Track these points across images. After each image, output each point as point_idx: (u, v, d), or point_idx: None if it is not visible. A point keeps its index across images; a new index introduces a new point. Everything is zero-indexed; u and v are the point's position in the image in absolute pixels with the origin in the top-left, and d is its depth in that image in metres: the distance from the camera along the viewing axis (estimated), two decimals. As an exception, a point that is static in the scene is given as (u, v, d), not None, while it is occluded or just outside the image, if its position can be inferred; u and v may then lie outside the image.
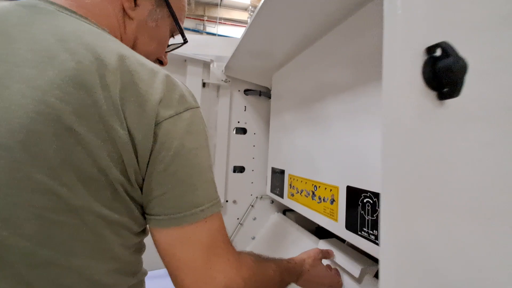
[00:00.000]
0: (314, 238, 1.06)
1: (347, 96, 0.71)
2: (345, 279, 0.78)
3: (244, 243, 1.40)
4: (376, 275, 0.74)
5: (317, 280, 0.70)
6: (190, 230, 0.39)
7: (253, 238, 1.42)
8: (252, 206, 1.42)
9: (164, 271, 0.45)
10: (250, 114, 1.45)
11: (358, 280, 0.75)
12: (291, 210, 1.49)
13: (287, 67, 1.18)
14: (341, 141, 0.73)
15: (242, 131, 1.45)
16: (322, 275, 0.73)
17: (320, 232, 1.10)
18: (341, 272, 0.80)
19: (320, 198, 0.82)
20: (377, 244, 0.58)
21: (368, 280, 0.73)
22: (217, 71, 1.35)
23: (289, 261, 0.63)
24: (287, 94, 1.18)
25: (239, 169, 1.45)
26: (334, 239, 0.94)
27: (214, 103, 1.37)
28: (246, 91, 1.43)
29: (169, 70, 0.45)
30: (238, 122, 1.42)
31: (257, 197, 1.43)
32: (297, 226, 1.23)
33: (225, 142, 1.38)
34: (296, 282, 0.64)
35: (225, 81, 1.35)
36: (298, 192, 0.97)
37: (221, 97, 1.38)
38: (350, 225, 0.67)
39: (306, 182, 0.92)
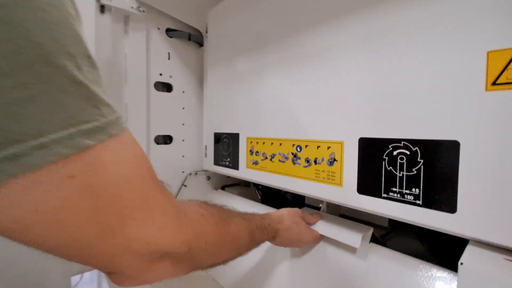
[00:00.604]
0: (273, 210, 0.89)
1: (363, 15, 0.53)
2: (336, 252, 0.65)
3: (177, 234, 1.08)
4: (373, 240, 0.64)
5: (297, 238, 0.62)
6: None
7: (188, 226, 1.12)
8: (184, 185, 1.11)
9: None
10: (177, 65, 1.07)
11: (354, 250, 0.63)
12: (232, 185, 1.27)
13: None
14: (345, 81, 0.55)
15: (166, 87, 1.07)
16: (303, 233, 0.63)
17: (271, 202, 0.94)
18: (331, 246, 0.67)
19: (308, 161, 0.63)
20: (418, 205, 0.45)
21: (365, 247, 0.62)
22: (124, -10, 0.88)
23: (263, 217, 0.55)
24: (234, 37, 0.89)
25: (164, 140, 1.08)
26: (306, 208, 0.80)
27: (120, 41, 0.91)
28: (170, 32, 1.04)
29: None
30: (161, 74, 1.03)
31: (190, 174, 1.12)
32: (247, 201, 1.03)
33: (142, 102, 0.97)
34: (272, 240, 0.57)
35: (138, 10, 0.91)
36: (266, 158, 0.76)
37: (131, 34, 0.93)
38: (367, 188, 0.52)
39: (280, 144, 0.71)
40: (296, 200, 1.18)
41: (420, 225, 0.46)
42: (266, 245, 0.81)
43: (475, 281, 0.33)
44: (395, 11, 0.48)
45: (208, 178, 1.19)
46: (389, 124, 0.49)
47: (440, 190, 0.42)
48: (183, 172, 1.11)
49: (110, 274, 0.28)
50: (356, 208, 0.56)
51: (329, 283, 0.62)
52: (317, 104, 0.61)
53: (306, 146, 0.64)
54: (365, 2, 0.52)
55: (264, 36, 0.76)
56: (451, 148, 0.41)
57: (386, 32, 0.49)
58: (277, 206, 0.91)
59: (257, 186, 1.27)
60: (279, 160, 0.71)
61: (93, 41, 0.80)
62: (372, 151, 0.51)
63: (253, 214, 0.52)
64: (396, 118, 0.48)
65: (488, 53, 0.38)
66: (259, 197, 1.26)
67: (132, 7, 0.90)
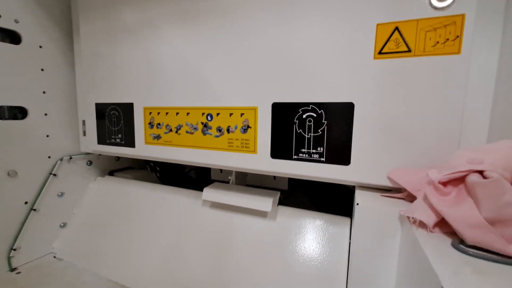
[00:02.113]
0: (184, 191, 0.82)
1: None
2: (248, 220, 0.67)
3: (46, 238, 0.82)
4: (280, 202, 0.69)
5: None
6: None
7: (64, 226, 0.88)
8: (53, 175, 0.84)
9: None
10: (26, 6, 0.76)
11: (266, 214, 0.66)
12: (124, 169, 1.08)
13: None
14: (259, 44, 0.54)
15: (8, 36, 0.74)
16: None
17: (172, 184, 0.86)
18: (240, 214, 0.68)
19: (220, 130, 0.60)
20: (322, 162, 0.50)
21: (273, 209, 0.67)
22: None
23: None
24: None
25: (13, 113, 0.76)
26: (217, 183, 0.77)
27: None
28: (8, -47, 0.71)
29: None
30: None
31: (62, 160, 0.86)
32: (147, 184, 0.90)
33: (-38, 54, 0.63)
34: None
35: None
36: (171, 130, 0.66)
37: None
38: (279, 152, 0.54)
39: (189, 113, 0.63)
40: (200, 177, 1.13)
41: (324, 180, 0.52)
42: (176, 225, 0.74)
43: (367, 214, 0.40)
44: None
45: (90, 163, 0.96)
46: (298, 89, 0.51)
47: (339, 147, 0.49)
48: (49, 157, 0.84)
49: None
50: (271, 173, 0.58)
51: (245, 249, 0.63)
52: (229, 67, 0.57)
53: (218, 114, 0.60)
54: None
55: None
56: (347, 109, 0.47)
57: (296, -3, 0.50)
58: (180, 185, 0.84)
59: (154, 167, 1.13)
60: (187, 132, 0.64)
61: None
62: (284, 116, 0.53)
63: None
64: (305, 83, 0.50)
65: (377, 25, 0.44)
66: (158, 179, 1.13)
67: None
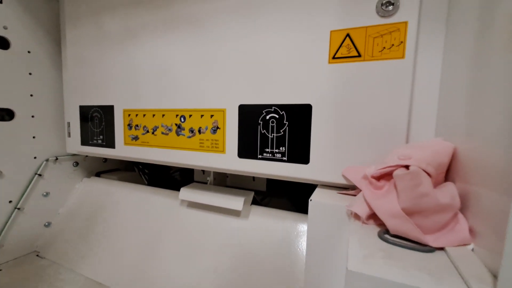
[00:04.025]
0: (164, 191, 0.84)
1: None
2: (222, 219, 0.69)
3: (30, 237, 0.85)
4: (254, 202, 0.71)
5: None
6: None
7: (48, 225, 0.90)
8: (38, 175, 0.87)
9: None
10: (15, 13, 0.80)
11: (238, 213, 0.68)
12: (111, 170, 1.10)
13: None
14: (225, 50, 0.57)
15: (-3, 42, 0.78)
16: None
17: (159, 186, 0.89)
18: (214, 214, 0.70)
19: (192, 131, 0.62)
20: (284, 161, 0.52)
21: (246, 209, 0.69)
22: None
23: None
24: (103, -12, 0.74)
25: (1, 115, 0.79)
26: (195, 183, 0.79)
27: None
28: (-1, -36, 0.75)
29: None
30: (-15, 22, 0.73)
31: (47, 160, 0.89)
32: (130, 185, 0.92)
33: (-49, 58, 0.67)
34: None
35: None
36: (148, 131, 0.69)
37: None
38: (246, 152, 0.57)
39: (163, 115, 0.66)
40: (184, 179, 1.16)
41: (286, 179, 0.54)
42: (152, 225, 0.76)
43: (319, 208, 0.42)
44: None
45: (76, 164, 0.98)
46: (262, 91, 0.54)
47: (299, 146, 0.51)
48: (35, 158, 0.86)
49: None
50: (238, 173, 0.60)
51: (216, 247, 0.65)
52: (200, 71, 0.60)
53: (190, 115, 0.62)
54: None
55: (140, -8, 0.67)
56: (306, 111, 0.50)
57: (260, 2, 0.53)
58: (167, 187, 0.86)
59: (142, 169, 1.15)
60: (162, 133, 0.67)
61: None
62: (250, 117, 0.55)
63: None
64: (267, 86, 0.53)
65: (331, 32, 0.47)
66: (145, 181, 1.15)
67: None
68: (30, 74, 0.84)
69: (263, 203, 0.83)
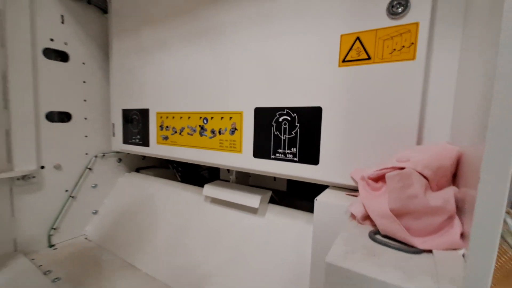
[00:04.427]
0: (191, 187, 0.91)
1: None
2: (240, 215, 0.73)
3: (80, 222, 0.98)
4: (271, 201, 0.74)
5: None
6: None
7: (95, 213, 1.03)
8: (89, 169, 1.00)
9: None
10: (74, 31, 0.94)
11: (255, 211, 0.71)
12: (148, 167, 1.22)
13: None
14: (243, 56, 0.61)
15: (59, 56, 0.93)
16: None
17: (190, 182, 0.96)
18: (234, 210, 0.74)
19: (214, 132, 0.67)
20: (295, 161, 0.54)
21: (264, 207, 0.71)
22: None
23: None
24: (141, 5, 0.84)
25: (61, 117, 0.94)
26: (218, 181, 0.84)
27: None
28: (63, -9, 0.90)
29: None
30: (52, 40, 0.88)
31: (96, 156, 1.02)
32: (163, 180, 1.01)
33: (26, 71, 0.82)
34: None
35: (15, -43, 0.75)
36: (176, 132, 0.76)
37: (7, -14, 0.77)
38: (260, 152, 0.60)
39: (189, 117, 0.72)
40: (212, 177, 1.23)
41: (297, 179, 0.56)
42: (176, 220, 0.83)
43: (323, 208, 0.44)
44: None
45: (119, 160, 1.11)
46: (276, 95, 0.56)
47: (309, 148, 0.52)
48: (86, 154, 1.00)
49: None
50: (253, 171, 0.63)
51: (232, 240, 0.69)
52: (221, 76, 0.65)
53: (212, 118, 0.68)
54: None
55: (170, 7, 0.75)
56: (316, 113, 0.51)
57: (274, 12, 0.56)
58: (196, 184, 0.93)
59: (176, 167, 1.25)
60: (188, 133, 0.73)
61: None
62: (264, 119, 0.58)
63: None
64: (280, 89, 0.56)
65: (341, 36, 0.48)
66: (179, 178, 1.25)
67: (6, -48, 0.74)
68: (84, 82, 0.98)
69: (283, 203, 0.85)
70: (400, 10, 0.42)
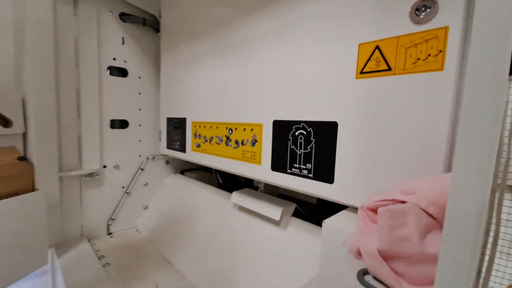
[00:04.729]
0: (223, 192, 0.95)
1: (271, 10, 0.58)
2: (263, 225, 0.73)
3: (133, 215, 1.13)
4: (294, 214, 0.71)
5: None
6: None
7: (146, 208, 1.17)
8: (141, 169, 1.14)
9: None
10: (132, 50, 1.09)
11: (278, 222, 0.70)
12: (190, 170, 1.32)
13: (183, -15, 0.91)
14: (264, 70, 0.61)
15: (120, 72, 1.08)
16: None
17: (229, 187, 1.01)
18: (257, 219, 0.74)
19: (237, 142, 0.69)
20: (310, 178, 0.52)
21: (287, 220, 0.70)
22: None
23: None
24: (184, 23, 0.92)
25: (120, 124, 1.10)
26: (246, 189, 0.86)
27: (68, 25, 0.92)
28: (124, 16, 1.05)
29: None
30: (114, 59, 1.04)
31: (147, 158, 1.16)
32: (201, 184, 1.08)
33: (94, 86, 0.98)
34: None
35: (87, -7, 0.92)
36: (206, 141, 0.81)
37: (81, 18, 0.94)
38: (277, 165, 0.59)
39: (217, 127, 0.76)
40: (248, 182, 1.25)
41: (311, 195, 0.53)
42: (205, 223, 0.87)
43: (330, 231, 0.41)
44: (298, 5, 0.53)
45: (167, 162, 1.24)
46: (292, 108, 0.55)
47: (324, 165, 0.49)
48: (140, 156, 1.15)
49: None
50: (271, 184, 0.62)
51: (254, 249, 0.70)
52: (243, 89, 0.67)
53: (236, 128, 0.70)
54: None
55: (203, 24, 0.80)
56: (331, 128, 0.48)
57: (292, 25, 0.54)
58: (235, 188, 0.97)
59: (218, 171, 1.32)
60: (216, 143, 0.77)
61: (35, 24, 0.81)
62: (282, 132, 0.57)
63: None
64: (297, 102, 0.54)
65: (359, 45, 0.44)
66: (220, 181, 1.32)
67: (81, -10, 0.91)
68: (139, 93, 1.12)
69: (311, 217, 0.82)
70: (425, 13, 0.36)
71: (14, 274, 0.66)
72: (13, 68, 0.86)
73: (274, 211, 0.69)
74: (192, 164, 1.33)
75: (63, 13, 0.90)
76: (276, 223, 0.71)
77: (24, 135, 0.80)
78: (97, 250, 0.92)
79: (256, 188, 0.88)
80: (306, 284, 0.26)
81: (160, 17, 1.06)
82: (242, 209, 0.82)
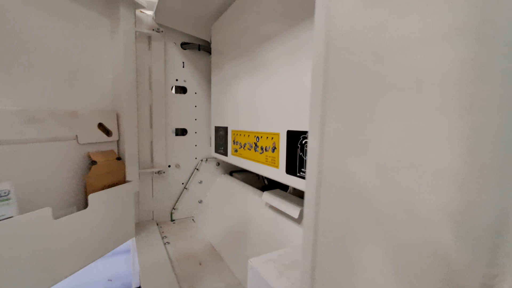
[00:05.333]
0: (259, 192, 1.08)
1: (285, 35, 0.68)
2: (286, 222, 0.82)
3: (190, 207, 1.36)
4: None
5: None
6: None
7: (200, 202, 1.39)
8: (197, 169, 1.37)
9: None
10: (190, 71, 1.33)
11: (298, 220, 0.79)
12: (237, 171, 1.50)
13: (226, 15, 1.08)
14: (280, 85, 0.71)
15: (181, 90, 1.33)
16: None
17: (267, 189, 1.12)
18: (282, 217, 0.84)
19: (262, 148, 0.81)
20: (314, 181, 0.59)
21: (307, 220, 0.77)
22: (146, 18, 1.17)
23: None
24: (227, 46, 1.09)
25: (181, 132, 1.35)
26: (277, 190, 0.96)
27: (145, 57, 1.20)
28: (184, 45, 1.29)
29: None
30: (177, 80, 1.29)
31: (202, 160, 1.38)
32: (243, 184, 1.24)
33: (162, 103, 1.25)
34: None
35: (157, 31, 1.19)
36: (241, 147, 0.95)
37: (154, 50, 1.21)
38: (290, 169, 0.68)
39: (248, 135, 0.89)
40: (282, 186, 1.34)
41: (315, 196, 0.60)
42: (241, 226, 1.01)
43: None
44: (303, 32, 0.62)
45: (218, 164, 1.44)
46: (300, 119, 0.64)
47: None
48: (196, 158, 1.38)
49: None
50: (287, 184, 0.72)
51: (277, 242, 0.80)
52: (265, 102, 0.78)
53: (261, 137, 0.81)
54: (286, 26, 0.66)
55: (239, 47, 0.94)
56: (328, 138, 0.55)
57: (301, 44, 0.63)
58: (275, 187, 1.10)
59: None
60: (248, 148, 0.90)
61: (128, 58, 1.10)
62: (293, 141, 0.67)
63: None
64: (304, 114, 0.62)
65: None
66: (265, 183, 1.45)
67: (153, 29, 1.18)
68: (195, 106, 1.36)
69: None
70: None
71: (114, 241, 0.93)
72: (111, 92, 1.19)
73: (293, 209, 0.78)
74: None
75: (141, 49, 1.18)
76: (297, 221, 0.80)
77: (118, 141, 1.10)
78: (162, 232, 1.16)
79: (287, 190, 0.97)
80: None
81: (210, 41, 1.27)
82: (272, 207, 0.93)
